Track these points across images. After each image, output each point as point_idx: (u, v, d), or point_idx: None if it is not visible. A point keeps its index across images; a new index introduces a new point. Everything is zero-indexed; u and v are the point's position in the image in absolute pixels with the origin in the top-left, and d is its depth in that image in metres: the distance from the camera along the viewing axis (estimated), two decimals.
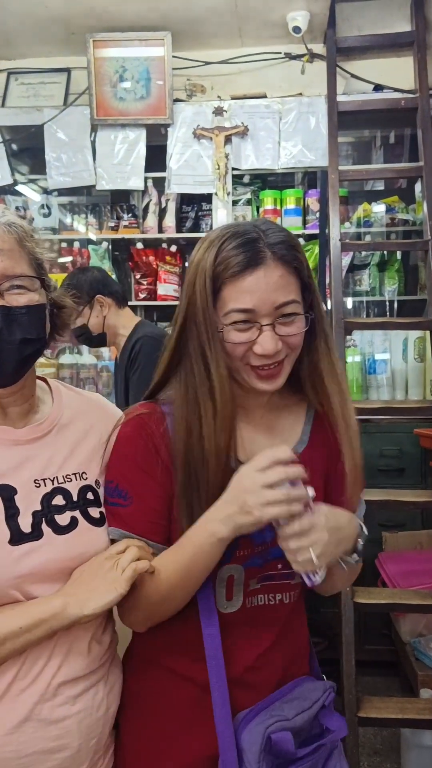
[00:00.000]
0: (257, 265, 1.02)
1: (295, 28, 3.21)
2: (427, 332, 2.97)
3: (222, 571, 1.08)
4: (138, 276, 3.62)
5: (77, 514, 1.08)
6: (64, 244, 3.70)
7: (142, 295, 3.62)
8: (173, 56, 3.36)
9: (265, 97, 3.41)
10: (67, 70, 3.60)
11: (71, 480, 1.10)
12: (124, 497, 1.08)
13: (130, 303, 3.59)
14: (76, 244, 3.68)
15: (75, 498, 1.09)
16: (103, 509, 1.11)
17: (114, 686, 1.15)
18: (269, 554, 1.11)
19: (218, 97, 3.49)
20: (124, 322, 2.55)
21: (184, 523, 1.04)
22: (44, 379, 1.21)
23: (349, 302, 3.67)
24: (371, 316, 3.64)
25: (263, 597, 1.13)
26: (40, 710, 1.01)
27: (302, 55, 3.47)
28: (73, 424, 1.16)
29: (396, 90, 3.33)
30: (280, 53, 3.51)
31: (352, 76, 3.42)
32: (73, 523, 1.07)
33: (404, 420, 3.08)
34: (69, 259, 3.68)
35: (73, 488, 1.10)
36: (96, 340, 2.58)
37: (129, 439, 1.10)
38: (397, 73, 3.39)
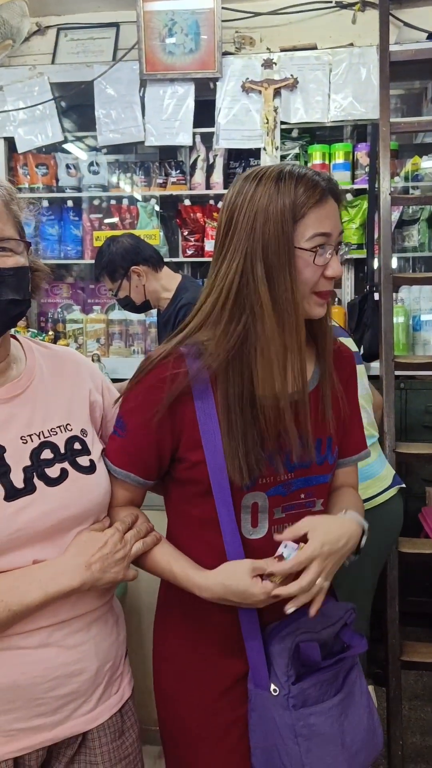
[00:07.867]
0: (329, 196, 1.12)
1: None
2: None
3: (245, 499, 1.14)
4: (185, 233, 3.64)
5: (66, 465, 1.12)
6: (113, 202, 3.73)
7: (189, 252, 3.64)
8: (222, 8, 3.31)
9: (315, 48, 3.35)
10: (116, 25, 3.60)
11: (56, 433, 1.13)
12: (123, 428, 1.18)
13: (177, 260, 3.65)
14: (125, 202, 3.71)
15: (62, 450, 1.12)
16: (93, 457, 1.16)
17: (120, 616, 1.25)
18: (292, 485, 1.17)
19: (267, 49, 3.45)
20: (164, 284, 2.54)
21: (231, 462, 1.10)
22: (15, 337, 1.22)
23: (397, 259, 3.63)
24: (419, 272, 3.61)
25: (288, 526, 1.16)
26: (59, 636, 1.08)
27: (353, 4, 3.39)
28: (50, 379, 1.18)
29: None
30: (330, 2, 3.43)
31: (405, 24, 3.34)
32: (64, 475, 1.11)
33: None
34: (116, 219, 3.71)
35: (60, 440, 1.13)
36: (141, 307, 2.61)
37: (145, 386, 1.15)
38: None
